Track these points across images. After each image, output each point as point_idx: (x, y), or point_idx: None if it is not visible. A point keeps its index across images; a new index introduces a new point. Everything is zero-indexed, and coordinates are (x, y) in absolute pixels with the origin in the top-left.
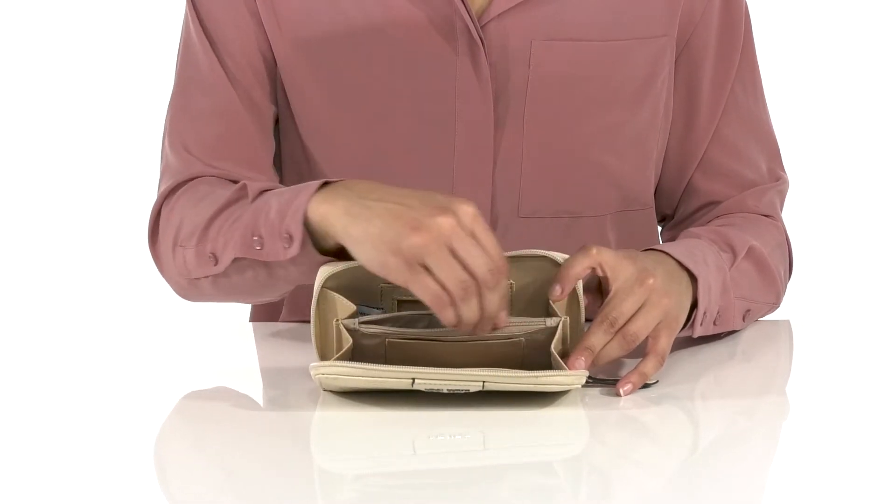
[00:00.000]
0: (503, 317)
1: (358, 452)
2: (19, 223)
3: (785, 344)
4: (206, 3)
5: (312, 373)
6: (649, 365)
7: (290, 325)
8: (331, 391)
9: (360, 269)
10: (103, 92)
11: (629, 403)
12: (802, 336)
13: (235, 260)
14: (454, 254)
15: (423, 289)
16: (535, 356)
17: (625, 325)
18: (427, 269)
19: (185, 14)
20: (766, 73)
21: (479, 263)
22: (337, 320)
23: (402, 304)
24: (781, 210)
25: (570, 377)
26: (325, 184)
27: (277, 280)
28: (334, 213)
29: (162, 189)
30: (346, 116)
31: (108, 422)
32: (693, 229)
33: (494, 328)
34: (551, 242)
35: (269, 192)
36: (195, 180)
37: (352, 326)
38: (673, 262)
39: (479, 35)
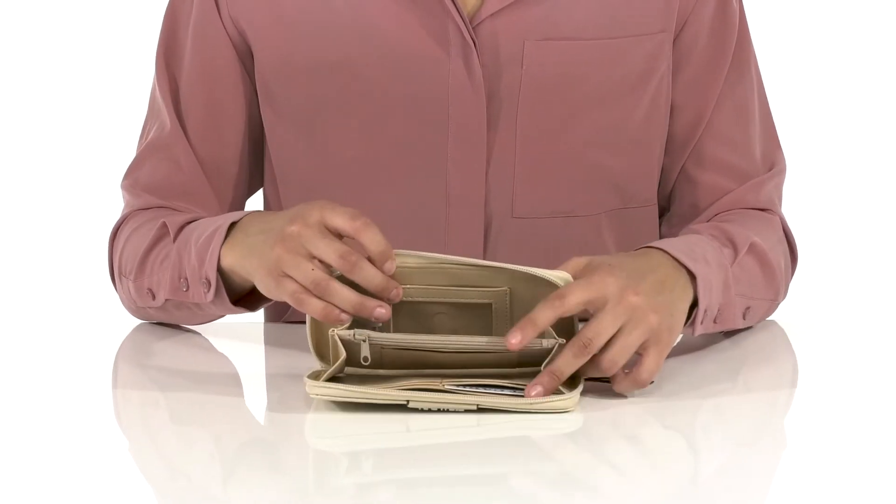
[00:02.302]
0: (395, 292)
1: (351, 431)
2: (18, 223)
3: (787, 369)
4: (178, 47)
5: (308, 390)
6: (623, 385)
7: (296, 325)
8: None
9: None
10: (102, 92)
11: (627, 414)
12: (804, 342)
13: (169, 299)
14: (308, 252)
15: (284, 292)
16: (531, 361)
17: (602, 351)
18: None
19: (153, 71)
20: (766, 73)
21: (326, 252)
22: (332, 330)
23: (396, 306)
24: (780, 201)
25: (563, 401)
26: (233, 225)
27: (208, 314)
28: (236, 260)
29: (114, 224)
30: (339, 119)
31: (108, 415)
32: (693, 226)
33: (391, 299)
34: (546, 243)
35: (188, 227)
36: (137, 212)
37: (347, 337)
38: (670, 262)
39: (471, 37)
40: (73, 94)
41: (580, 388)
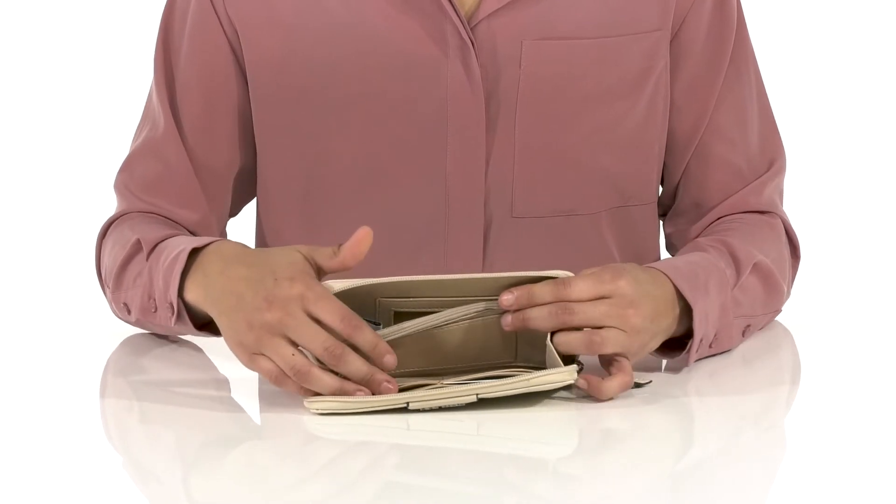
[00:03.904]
0: (385, 385)
1: (352, 426)
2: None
3: (789, 366)
4: (175, 47)
5: (307, 405)
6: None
7: None
8: None
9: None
10: (102, 92)
11: (623, 406)
12: (806, 339)
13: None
14: (289, 338)
15: (259, 369)
16: (531, 332)
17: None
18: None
19: (153, 72)
20: (765, 72)
21: (311, 345)
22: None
23: (398, 315)
24: (781, 199)
25: (561, 374)
26: (194, 251)
27: (180, 333)
28: (201, 302)
29: (103, 223)
30: (339, 121)
31: (96, 425)
32: (700, 240)
33: (380, 392)
34: (546, 242)
35: (160, 245)
36: (125, 216)
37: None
38: (671, 294)
39: (469, 37)
40: (73, 94)
41: (576, 366)
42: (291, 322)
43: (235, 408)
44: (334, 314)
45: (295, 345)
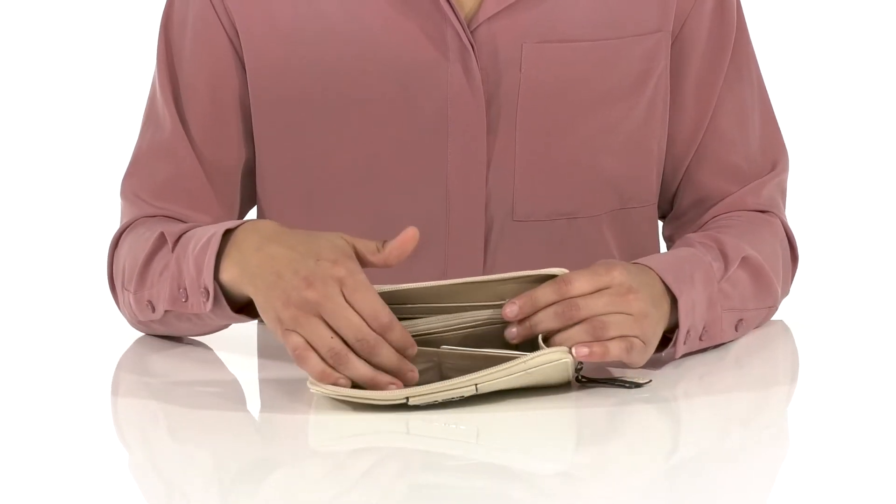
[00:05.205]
0: (410, 375)
1: (351, 429)
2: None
3: (788, 365)
4: (177, 47)
5: (310, 386)
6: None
7: None
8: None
9: None
10: (104, 92)
11: (622, 407)
12: (805, 338)
13: (169, 311)
14: (325, 322)
15: (287, 343)
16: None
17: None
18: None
19: (154, 73)
20: (766, 73)
21: (346, 332)
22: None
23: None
24: (784, 198)
25: (556, 353)
26: (228, 232)
27: (210, 325)
28: (236, 281)
29: (114, 233)
30: (339, 125)
31: (108, 426)
32: (690, 235)
33: (406, 381)
34: (547, 245)
35: (186, 236)
36: (137, 222)
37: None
38: (659, 285)
39: (469, 40)
40: (75, 96)
41: (565, 349)
42: (328, 304)
43: (239, 408)
44: (367, 308)
45: (331, 327)
